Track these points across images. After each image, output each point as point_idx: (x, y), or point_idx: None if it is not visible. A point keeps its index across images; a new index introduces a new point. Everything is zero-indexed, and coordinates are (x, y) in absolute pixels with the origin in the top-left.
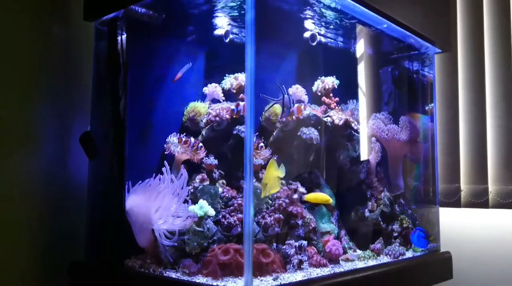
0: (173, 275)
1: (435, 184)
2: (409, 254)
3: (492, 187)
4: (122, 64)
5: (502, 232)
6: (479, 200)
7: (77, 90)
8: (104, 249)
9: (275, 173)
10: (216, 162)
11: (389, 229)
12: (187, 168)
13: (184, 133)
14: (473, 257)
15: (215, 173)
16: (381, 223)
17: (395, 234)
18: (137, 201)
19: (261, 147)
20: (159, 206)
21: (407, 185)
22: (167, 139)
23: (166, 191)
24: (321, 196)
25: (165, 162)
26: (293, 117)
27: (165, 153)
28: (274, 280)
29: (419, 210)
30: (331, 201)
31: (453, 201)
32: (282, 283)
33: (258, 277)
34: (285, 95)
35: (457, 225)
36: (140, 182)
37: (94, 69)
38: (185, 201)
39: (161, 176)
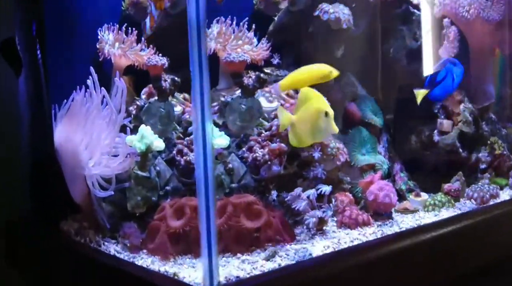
0: (112, 248)
1: None
2: (505, 195)
3: None
4: None
5: None
6: None
7: None
8: (38, 205)
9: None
10: (164, 61)
11: (472, 159)
12: (133, 78)
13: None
14: None
15: (165, 80)
16: (460, 150)
17: (483, 166)
18: (64, 132)
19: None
20: (89, 139)
21: (500, 92)
22: (99, 37)
23: (95, 114)
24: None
25: (91, 68)
26: None
27: (99, 56)
28: (267, 261)
29: None
30: (335, 74)
31: None
32: (282, 264)
33: (237, 254)
34: None
35: None
36: (65, 101)
37: None
38: (123, 130)
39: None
